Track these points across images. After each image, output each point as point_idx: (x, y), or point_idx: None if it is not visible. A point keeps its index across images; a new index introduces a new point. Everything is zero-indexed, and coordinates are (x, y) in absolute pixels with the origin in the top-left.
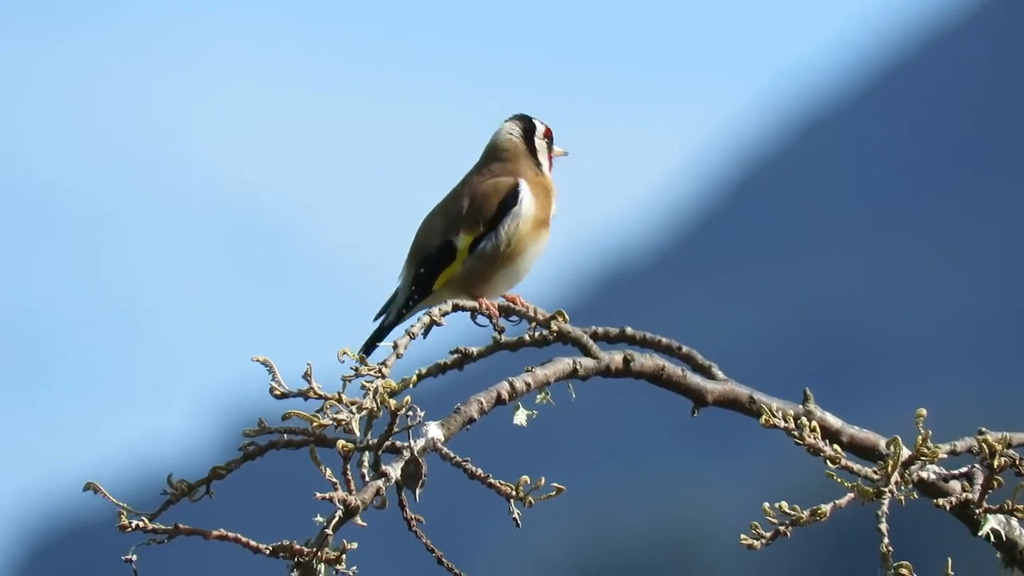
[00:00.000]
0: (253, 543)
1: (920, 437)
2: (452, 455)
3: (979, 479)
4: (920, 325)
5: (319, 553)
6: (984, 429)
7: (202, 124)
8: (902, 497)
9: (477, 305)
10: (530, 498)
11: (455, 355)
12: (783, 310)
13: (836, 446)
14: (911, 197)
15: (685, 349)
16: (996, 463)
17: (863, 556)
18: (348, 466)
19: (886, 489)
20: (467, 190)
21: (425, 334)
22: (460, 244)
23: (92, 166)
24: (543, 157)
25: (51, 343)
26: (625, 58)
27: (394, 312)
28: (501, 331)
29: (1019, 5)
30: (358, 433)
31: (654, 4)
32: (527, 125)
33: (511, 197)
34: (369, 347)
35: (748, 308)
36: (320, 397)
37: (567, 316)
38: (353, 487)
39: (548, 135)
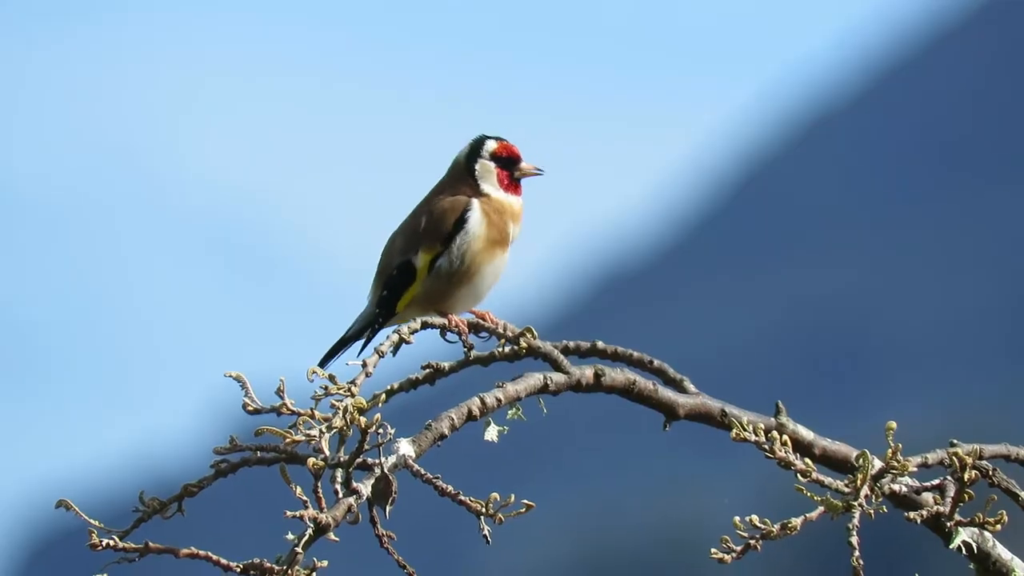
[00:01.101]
0: (224, 561)
1: (890, 451)
2: (423, 472)
3: (951, 491)
4: (921, 325)
5: (289, 571)
6: (956, 441)
7: (192, 126)
8: (871, 511)
9: (446, 322)
10: (500, 515)
11: (427, 370)
12: (783, 310)
13: (807, 459)
14: (911, 197)
15: (657, 363)
16: (966, 476)
17: (864, 555)
18: (319, 483)
19: (855, 503)
20: (426, 208)
21: (394, 352)
22: (419, 263)
23: (83, 167)
24: (486, 180)
25: (52, 344)
26: (626, 57)
27: (357, 326)
28: (470, 348)
29: (1021, 5)
30: (327, 451)
31: (655, 3)
32: (474, 146)
33: (463, 216)
34: (327, 359)
35: (748, 308)
36: (293, 413)
37: (536, 332)
38: (324, 504)
39: (499, 156)
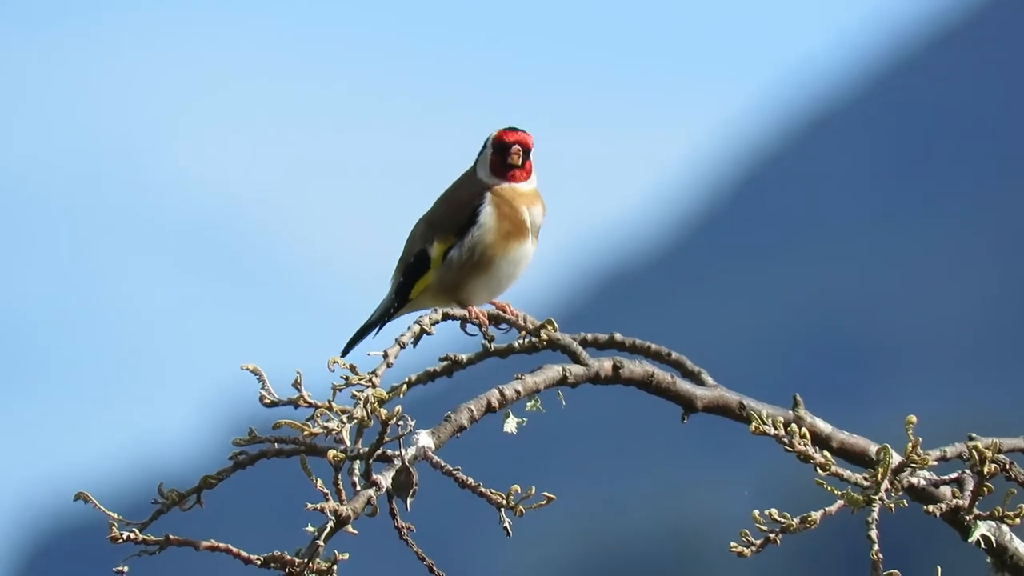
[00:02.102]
0: (244, 554)
1: (910, 444)
2: (443, 464)
3: (969, 485)
4: (925, 323)
5: (310, 564)
6: (974, 435)
7: (190, 128)
8: (892, 505)
9: (467, 313)
10: (521, 507)
11: (445, 362)
12: (785, 309)
13: (826, 452)
14: (913, 197)
15: (675, 355)
16: (986, 470)
17: (860, 555)
18: (339, 475)
19: (876, 497)
20: (444, 199)
21: (415, 343)
22: (434, 253)
23: (79, 168)
24: (482, 167)
25: (50, 344)
26: (626, 57)
27: (377, 313)
28: (491, 340)
29: (1021, 5)
30: (348, 442)
31: (655, 3)
32: (486, 139)
33: (476, 209)
34: (349, 347)
35: (749, 308)
36: (310, 405)
37: (556, 325)
38: (344, 496)
39: (497, 142)
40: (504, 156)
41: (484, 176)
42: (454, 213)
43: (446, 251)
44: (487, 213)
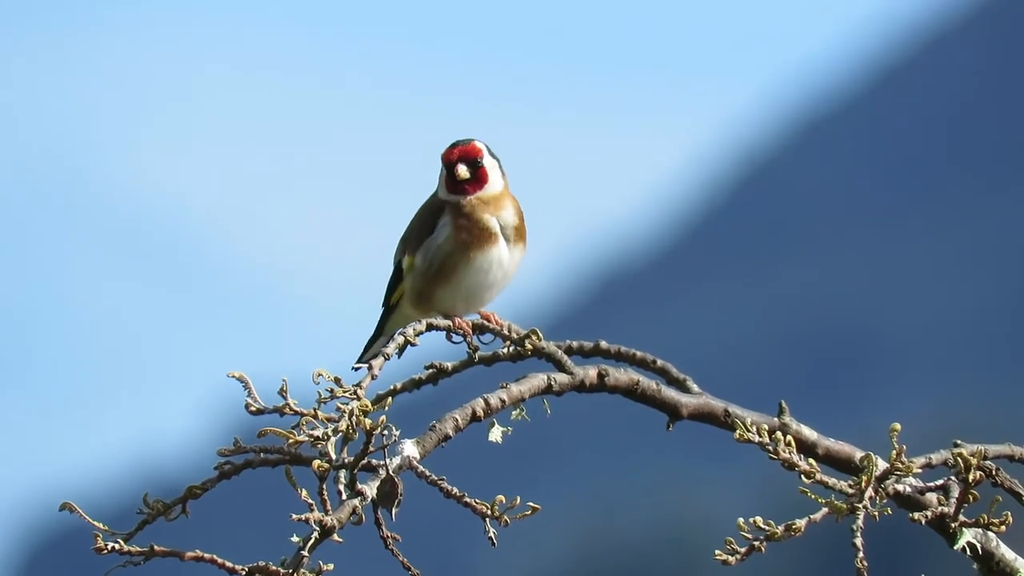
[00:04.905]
0: (229, 564)
1: (894, 451)
2: (427, 473)
3: (955, 492)
4: (922, 325)
5: (295, 574)
6: (959, 442)
7: (178, 134)
8: (876, 513)
9: (451, 324)
10: (505, 517)
11: (430, 370)
12: (783, 310)
13: (811, 460)
14: (912, 197)
15: (660, 363)
16: (971, 477)
17: (867, 554)
18: (324, 485)
19: (859, 505)
20: (415, 215)
21: (399, 354)
22: (405, 265)
23: (73, 169)
24: (440, 186)
25: (49, 345)
26: (625, 57)
27: (377, 328)
28: (475, 349)
29: (1021, 5)
30: (333, 454)
31: (655, 3)
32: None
33: (435, 222)
34: (362, 358)
35: (748, 308)
36: (296, 414)
37: (541, 334)
38: (329, 506)
39: (443, 161)
40: (452, 175)
41: (443, 195)
42: (418, 229)
43: (412, 264)
44: (442, 226)
